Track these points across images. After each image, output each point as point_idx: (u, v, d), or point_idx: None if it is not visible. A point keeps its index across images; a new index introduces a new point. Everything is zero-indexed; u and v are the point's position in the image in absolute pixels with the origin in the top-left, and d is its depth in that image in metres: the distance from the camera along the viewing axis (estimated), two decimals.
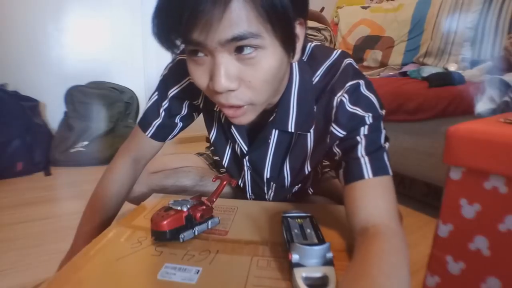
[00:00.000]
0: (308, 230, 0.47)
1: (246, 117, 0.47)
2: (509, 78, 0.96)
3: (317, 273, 0.39)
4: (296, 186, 0.69)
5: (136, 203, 0.65)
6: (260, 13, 0.37)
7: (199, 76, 0.44)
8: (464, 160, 0.50)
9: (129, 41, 2.10)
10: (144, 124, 0.66)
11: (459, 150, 0.50)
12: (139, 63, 2.16)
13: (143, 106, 2.13)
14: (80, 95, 1.81)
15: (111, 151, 1.84)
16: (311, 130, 0.56)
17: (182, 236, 0.49)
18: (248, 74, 0.41)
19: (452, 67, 1.42)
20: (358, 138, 0.50)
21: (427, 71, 1.35)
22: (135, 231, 0.53)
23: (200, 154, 0.95)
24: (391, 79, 1.50)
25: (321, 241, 0.44)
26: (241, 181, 0.71)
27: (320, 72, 0.54)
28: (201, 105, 0.65)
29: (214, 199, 0.59)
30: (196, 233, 0.51)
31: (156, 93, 0.65)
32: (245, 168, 0.66)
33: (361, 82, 0.51)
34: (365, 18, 1.96)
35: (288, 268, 0.42)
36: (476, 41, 1.43)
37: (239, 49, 0.39)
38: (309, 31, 1.95)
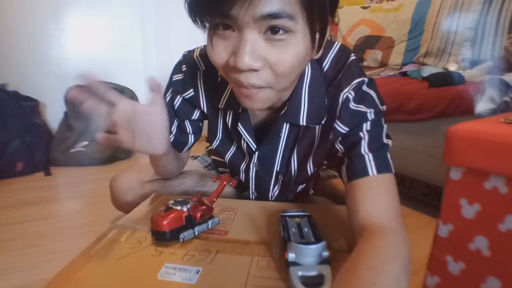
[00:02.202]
0: (306, 229, 0.47)
1: (259, 102, 0.46)
2: (509, 78, 0.96)
3: (313, 272, 0.39)
4: (300, 186, 0.69)
5: (127, 211, 0.64)
6: None
7: (219, 51, 0.42)
8: (464, 160, 0.50)
9: (129, 41, 2.10)
10: None
11: (459, 150, 0.50)
12: (139, 63, 2.16)
13: None
14: None
15: (111, 151, 1.83)
16: (322, 122, 0.56)
17: (182, 236, 0.49)
18: (275, 56, 0.41)
19: (452, 67, 1.42)
20: (361, 134, 0.50)
21: (427, 71, 1.35)
22: (135, 231, 0.53)
23: (194, 158, 0.94)
24: (391, 79, 1.50)
25: (318, 240, 0.44)
26: (244, 177, 0.70)
27: (326, 63, 0.55)
28: (205, 110, 0.66)
29: (214, 199, 0.59)
30: (196, 233, 0.51)
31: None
32: (251, 165, 0.66)
33: (365, 80, 0.52)
34: (365, 18, 1.96)
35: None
36: (476, 41, 1.43)
37: (271, 30, 0.39)
38: None
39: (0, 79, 1.73)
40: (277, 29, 0.39)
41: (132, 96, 2.02)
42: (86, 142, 1.78)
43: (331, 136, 0.54)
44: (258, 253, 0.47)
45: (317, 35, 0.43)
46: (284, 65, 0.42)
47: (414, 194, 1.30)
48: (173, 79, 0.66)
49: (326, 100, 0.55)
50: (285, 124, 0.58)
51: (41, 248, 0.92)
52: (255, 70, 0.41)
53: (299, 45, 0.41)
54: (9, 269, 0.82)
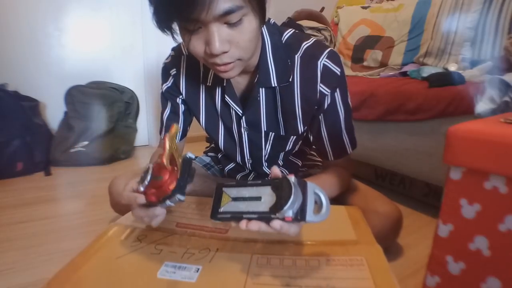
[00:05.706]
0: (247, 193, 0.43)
1: (234, 71, 0.59)
2: (509, 78, 0.95)
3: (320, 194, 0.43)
4: (291, 139, 0.79)
5: (123, 214, 0.64)
6: None
7: (195, 45, 0.55)
8: (464, 160, 0.50)
9: (129, 41, 2.10)
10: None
11: (459, 150, 0.50)
12: (139, 63, 2.16)
13: (143, 106, 2.13)
14: (80, 95, 1.80)
15: (111, 151, 1.83)
16: (296, 84, 0.70)
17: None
18: (237, 36, 0.53)
19: (452, 67, 1.42)
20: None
21: (427, 71, 1.35)
22: (135, 229, 0.53)
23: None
24: (391, 79, 1.50)
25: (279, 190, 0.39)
26: (239, 147, 0.80)
27: (286, 34, 0.71)
28: (183, 94, 0.78)
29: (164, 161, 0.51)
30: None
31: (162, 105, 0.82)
32: (242, 130, 0.77)
33: (330, 48, 0.69)
34: (365, 18, 1.96)
35: (287, 266, 0.42)
36: (476, 41, 1.43)
37: (229, 20, 0.50)
38: (309, 31, 1.95)
39: (0, 79, 1.73)
40: (233, 17, 0.50)
41: (132, 96, 2.02)
42: (86, 142, 1.78)
43: (318, 96, 0.70)
44: (258, 251, 0.47)
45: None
46: (246, 40, 0.55)
47: (414, 194, 1.30)
48: (163, 64, 0.79)
49: (289, 61, 0.69)
50: (261, 89, 0.71)
51: (41, 248, 0.92)
52: (226, 52, 0.53)
53: (252, 21, 0.54)
54: (9, 269, 0.82)
